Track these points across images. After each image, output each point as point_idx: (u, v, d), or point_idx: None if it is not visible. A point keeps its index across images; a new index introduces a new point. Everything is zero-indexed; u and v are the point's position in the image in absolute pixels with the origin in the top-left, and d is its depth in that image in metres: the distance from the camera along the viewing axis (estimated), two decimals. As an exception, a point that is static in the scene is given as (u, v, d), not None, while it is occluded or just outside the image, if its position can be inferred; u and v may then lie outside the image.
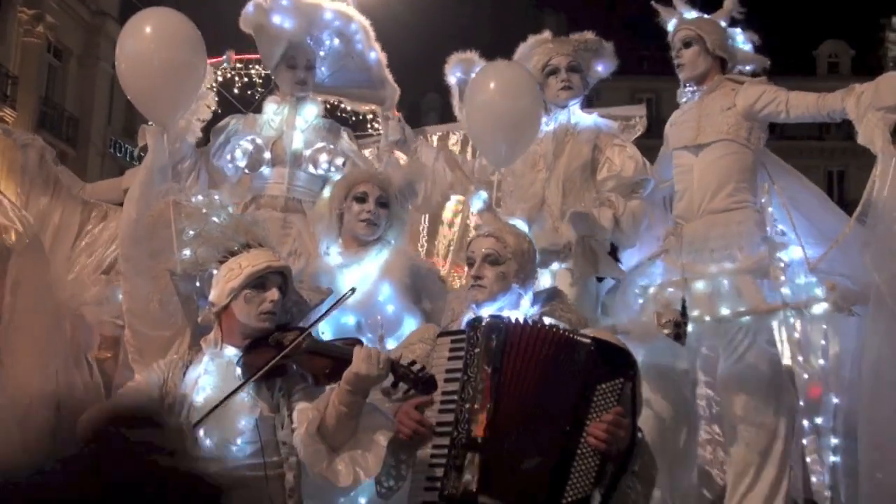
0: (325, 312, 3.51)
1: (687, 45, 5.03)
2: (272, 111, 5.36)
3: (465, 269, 3.97)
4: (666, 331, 4.39)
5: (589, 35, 5.21)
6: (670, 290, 4.71)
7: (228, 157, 5.20)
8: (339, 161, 5.27)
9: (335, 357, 3.36)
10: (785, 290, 4.61)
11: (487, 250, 3.70)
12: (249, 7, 5.29)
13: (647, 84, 31.78)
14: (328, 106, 5.90)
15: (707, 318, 4.63)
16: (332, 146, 5.32)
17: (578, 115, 5.16)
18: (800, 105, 4.79)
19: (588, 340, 3.28)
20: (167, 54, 4.54)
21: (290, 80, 5.36)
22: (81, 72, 25.38)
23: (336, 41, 5.55)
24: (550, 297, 3.82)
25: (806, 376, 4.70)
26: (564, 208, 4.86)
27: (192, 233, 3.75)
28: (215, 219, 3.80)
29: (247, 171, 5.23)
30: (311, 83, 5.43)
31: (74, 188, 5.80)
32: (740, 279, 4.61)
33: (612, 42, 5.27)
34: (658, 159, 5.38)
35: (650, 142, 5.70)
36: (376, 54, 5.60)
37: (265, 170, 5.21)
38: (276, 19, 5.23)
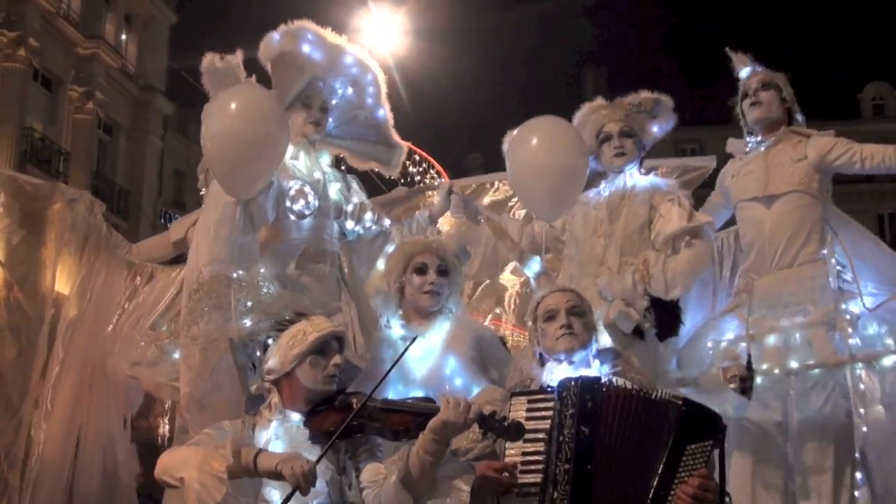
0: (392, 366, 3.52)
1: (765, 87, 5.03)
2: (288, 155, 4.95)
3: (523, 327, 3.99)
4: (732, 385, 4.40)
5: (644, 95, 5.12)
6: (742, 345, 4.68)
7: (302, 201, 4.85)
8: (386, 222, 5.16)
9: (413, 412, 3.44)
10: (853, 342, 4.58)
11: (572, 303, 3.86)
12: (275, 35, 4.97)
13: (689, 134, 31.68)
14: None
15: (776, 371, 4.60)
16: (370, 203, 5.23)
17: (636, 178, 5.05)
18: (875, 156, 4.79)
19: (680, 402, 3.38)
20: (252, 129, 4.31)
21: (303, 120, 5.02)
22: (131, 145, 25.90)
23: (349, 90, 5.25)
24: (616, 357, 3.89)
25: (865, 429, 4.61)
26: (623, 260, 4.85)
27: (249, 304, 3.84)
28: (265, 290, 3.91)
29: (300, 217, 4.90)
30: (324, 127, 5.13)
31: (122, 249, 5.85)
32: (812, 332, 4.60)
33: (668, 97, 5.17)
34: (706, 209, 5.31)
35: (697, 191, 5.63)
36: (384, 112, 5.33)
37: (307, 220, 4.92)
38: (306, 48, 4.93)
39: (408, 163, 7.52)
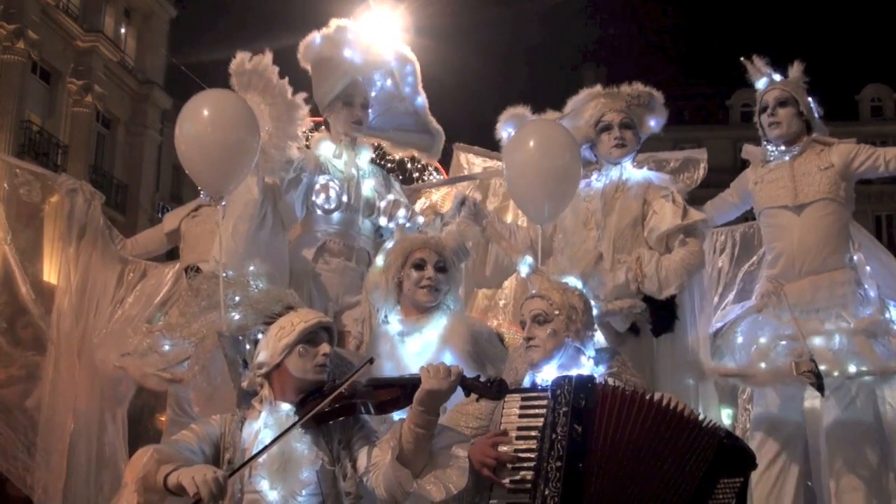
0: (352, 374, 3.48)
1: (782, 104, 5.06)
2: (330, 152, 5.14)
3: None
4: (808, 380, 4.43)
5: (639, 87, 5.14)
6: (783, 342, 4.72)
7: (323, 195, 4.99)
8: (420, 219, 5.18)
9: (398, 384, 3.44)
10: None
11: (534, 311, 3.74)
12: (316, 38, 5.10)
13: (688, 134, 31.75)
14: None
15: (836, 374, 4.62)
16: (405, 201, 5.27)
17: (630, 171, 5.07)
18: None
19: (723, 432, 3.33)
20: (222, 135, 4.30)
21: (345, 118, 5.15)
22: (129, 139, 25.88)
23: (388, 82, 5.35)
24: (612, 357, 3.83)
25: None
26: (616, 257, 4.84)
27: (237, 298, 3.86)
28: (253, 286, 3.95)
29: (325, 213, 5.05)
30: (366, 123, 5.25)
31: (116, 244, 5.87)
32: (856, 339, 4.65)
33: (660, 92, 5.20)
34: (717, 203, 5.38)
35: (696, 191, 5.63)
36: (423, 99, 5.46)
37: (335, 215, 5.05)
38: (347, 53, 5.05)
39: (406, 160, 7.56)
